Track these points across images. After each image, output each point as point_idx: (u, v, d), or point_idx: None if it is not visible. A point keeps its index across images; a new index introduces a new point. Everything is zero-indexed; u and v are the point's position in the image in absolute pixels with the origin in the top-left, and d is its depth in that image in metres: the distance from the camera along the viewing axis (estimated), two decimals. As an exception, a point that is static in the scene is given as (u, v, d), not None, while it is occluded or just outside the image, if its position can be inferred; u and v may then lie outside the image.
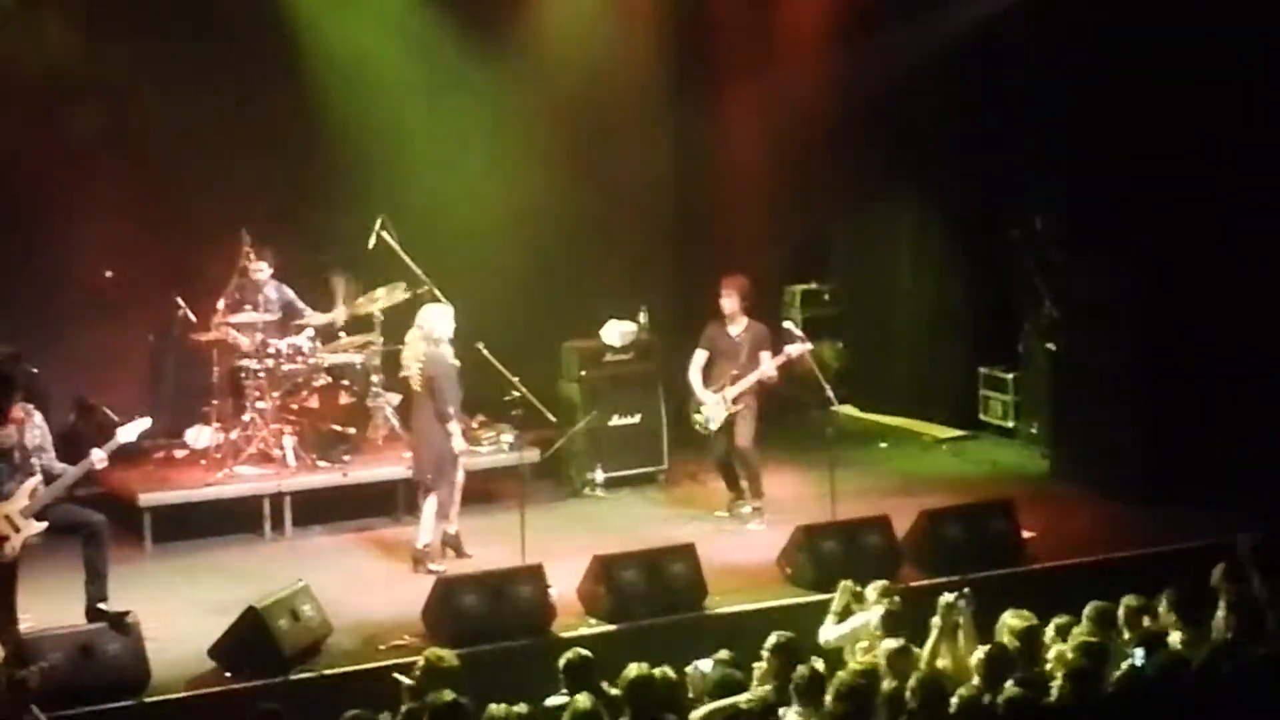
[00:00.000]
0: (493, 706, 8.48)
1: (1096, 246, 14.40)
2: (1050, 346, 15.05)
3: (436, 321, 12.37)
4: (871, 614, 10.03)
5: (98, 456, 10.63)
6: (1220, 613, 9.72)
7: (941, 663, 9.59)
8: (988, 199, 15.85)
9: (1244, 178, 13.93)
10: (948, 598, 9.87)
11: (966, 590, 9.96)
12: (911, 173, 16.07)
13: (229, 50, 14.17)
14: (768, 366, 13.16)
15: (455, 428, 12.30)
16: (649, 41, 15.78)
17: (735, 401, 13.23)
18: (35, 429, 10.55)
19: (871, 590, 10.25)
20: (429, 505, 12.39)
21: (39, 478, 10.47)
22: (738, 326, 13.34)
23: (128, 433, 10.87)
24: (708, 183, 16.22)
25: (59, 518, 10.56)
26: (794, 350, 13.15)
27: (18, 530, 10.33)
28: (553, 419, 13.48)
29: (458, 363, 12.38)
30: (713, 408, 13.30)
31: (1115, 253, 14.17)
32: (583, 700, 8.44)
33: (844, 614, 10.31)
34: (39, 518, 10.42)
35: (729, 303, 13.32)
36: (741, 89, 15.93)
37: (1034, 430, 15.47)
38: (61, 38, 13.73)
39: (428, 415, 12.31)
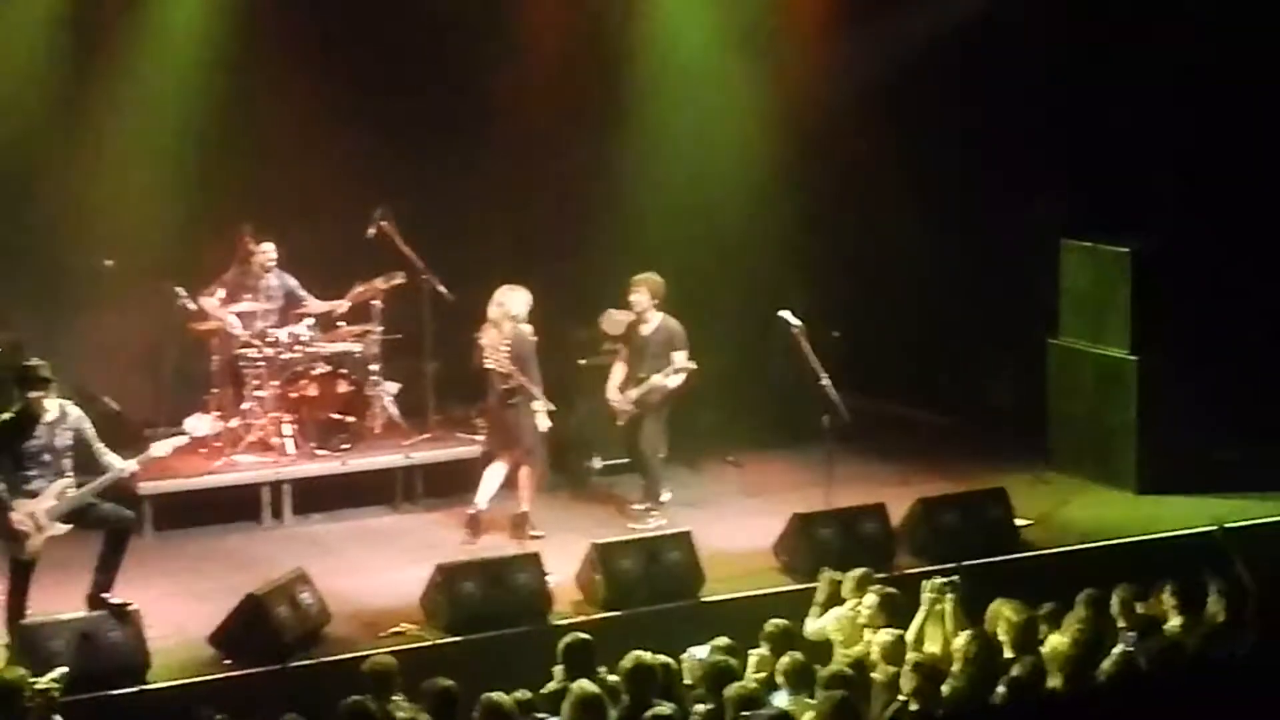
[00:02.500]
0: (490, 694, 8.56)
1: (1096, 234, 14.43)
2: (1049, 337, 15.10)
3: (515, 301, 12.67)
4: (861, 603, 10.08)
5: (130, 466, 10.69)
6: (1211, 599, 9.82)
7: (928, 647, 9.64)
8: (989, 187, 15.87)
9: (1247, 168, 13.98)
10: (934, 581, 9.94)
11: (954, 576, 10.03)
12: (913, 160, 16.08)
13: (246, 33, 14.22)
14: (671, 374, 13.02)
15: (540, 405, 12.58)
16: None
17: (636, 403, 13.20)
18: (68, 430, 10.48)
19: (849, 579, 10.29)
20: (523, 475, 12.71)
21: (70, 479, 10.47)
22: (649, 325, 13.22)
23: (162, 447, 10.82)
24: (706, 169, 16.21)
25: (91, 514, 10.56)
26: (683, 367, 13.00)
27: (41, 530, 10.36)
28: (551, 407, 13.49)
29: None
30: (617, 405, 13.32)
31: (1115, 241, 14.19)
32: (585, 685, 8.50)
33: (828, 604, 10.36)
34: (67, 518, 10.46)
35: (639, 300, 13.16)
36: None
37: (1032, 419, 15.48)
38: (70, 21, 13.73)
39: (516, 394, 12.57)
